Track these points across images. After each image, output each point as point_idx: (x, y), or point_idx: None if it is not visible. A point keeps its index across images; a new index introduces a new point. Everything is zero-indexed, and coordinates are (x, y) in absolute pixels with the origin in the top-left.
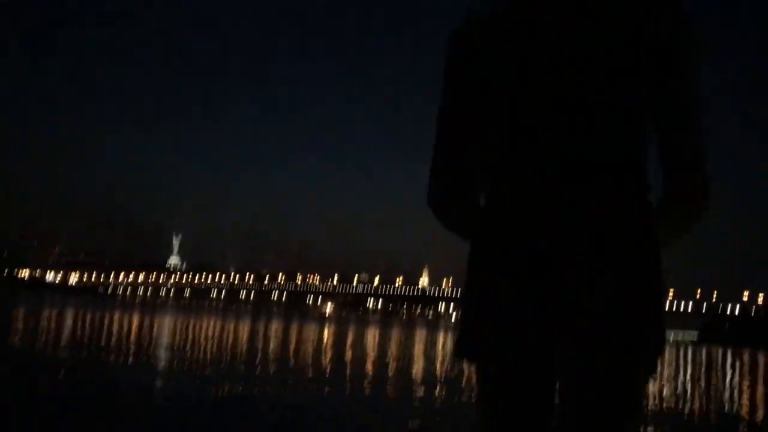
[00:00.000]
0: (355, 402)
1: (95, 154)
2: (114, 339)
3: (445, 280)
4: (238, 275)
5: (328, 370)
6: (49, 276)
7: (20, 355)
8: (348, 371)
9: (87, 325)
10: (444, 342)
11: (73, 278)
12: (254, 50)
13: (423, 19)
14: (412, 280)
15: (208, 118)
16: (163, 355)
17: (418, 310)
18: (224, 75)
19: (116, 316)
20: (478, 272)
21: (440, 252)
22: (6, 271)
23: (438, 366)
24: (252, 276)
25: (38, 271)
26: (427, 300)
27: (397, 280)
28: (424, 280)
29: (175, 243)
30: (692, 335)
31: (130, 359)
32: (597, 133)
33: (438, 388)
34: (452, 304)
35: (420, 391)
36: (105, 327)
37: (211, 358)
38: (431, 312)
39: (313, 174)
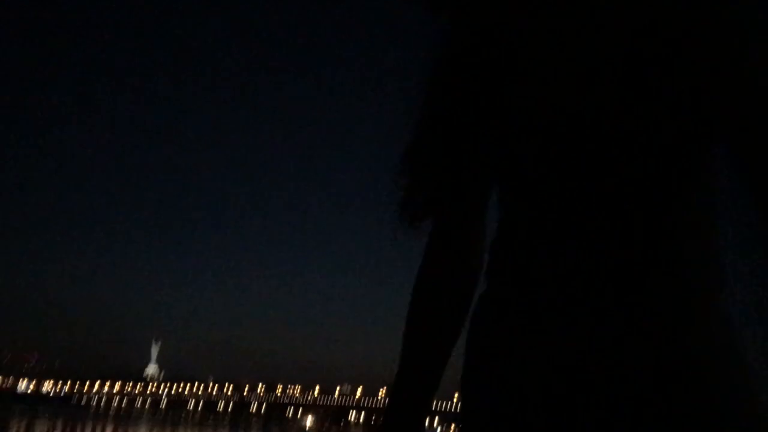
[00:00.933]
0: None
1: (75, 260)
2: None
3: None
4: (216, 385)
5: None
6: (22, 385)
7: None
8: None
9: None
10: None
11: (47, 387)
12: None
13: None
14: None
15: (186, 228)
16: None
17: None
18: (205, 194)
19: (88, 429)
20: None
21: None
22: None
23: None
24: (231, 386)
25: (10, 378)
26: None
27: (381, 391)
28: None
29: (154, 351)
30: None
31: None
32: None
33: None
34: (437, 418)
35: None
36: None
37: None
38: None
39: (297, 285)
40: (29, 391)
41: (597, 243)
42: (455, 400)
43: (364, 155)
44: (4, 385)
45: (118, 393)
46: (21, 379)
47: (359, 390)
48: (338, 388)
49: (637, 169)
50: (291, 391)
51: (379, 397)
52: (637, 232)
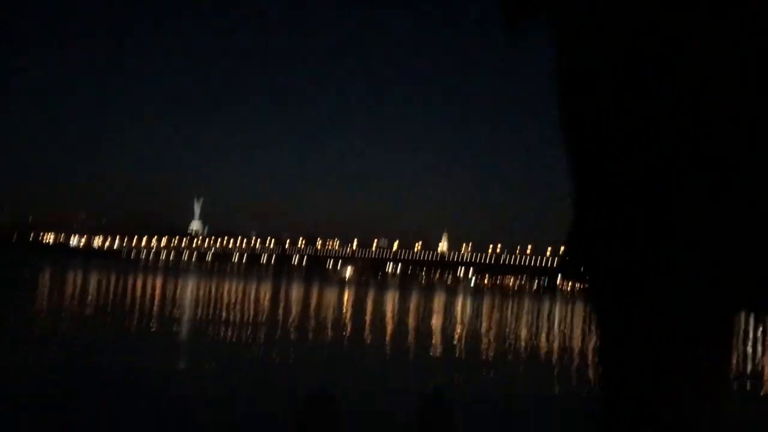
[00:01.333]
0: (373, 366)
1: (121, 120)
2: (140, 301)
3: (464, 245)
4: (258, 240)
5: (346, 332)
6: (73, 241)
7: (47, 317)
8: (366, 333)
9: (112, 287)
10: (463, 305)
11: (97, 242)
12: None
13: None
14: (431, 245)
15: (228, 89)
16: (188, 316)
17: (438, 275)
18: (253, 53)
19: (140, 279)
20: None
21: (459, 217)
22: (32, 235)
23: (456, 330)
24: (272, 240)
25: (62, 235)
26: (447, 265)
27: (416, 245)
28: (443, 245)
29: (197, 208)
30: None
31: (155, 321)
32: None
33: (454, 352)
34: (471, 268)
35: (437, 355)
36: (131, 289)
37: (234, 320)
38: (450, 276)
39: (335, 139)
40: (80, 246)
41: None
42: (489, 251)
43: None
44: (56, 241)
45: (165, 247)
46: (72, 236)
47: (396, 244)
48: (375, 242)
49: None
50: (330, 245)
51: (415, 250)
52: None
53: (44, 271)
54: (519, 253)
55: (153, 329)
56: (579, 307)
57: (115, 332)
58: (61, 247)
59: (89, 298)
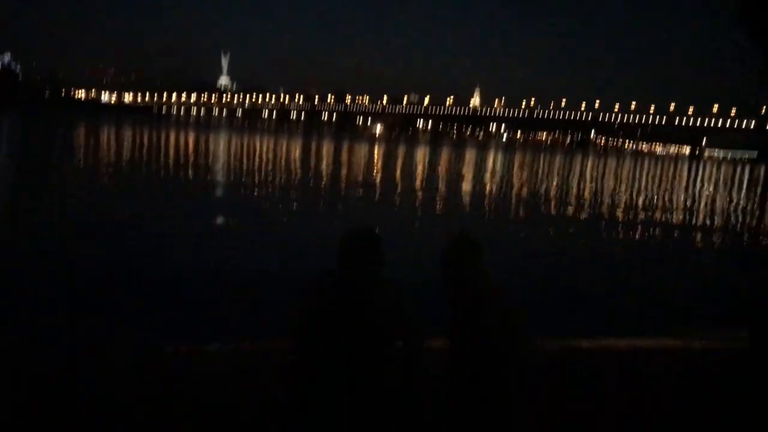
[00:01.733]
0: (404, 215)
1: None
2: (175, 154)
3: (496, 100)
4: (287, 96)
5: (377, 186)
6: (104, 97)
7: (86, 170)
8: (397, 186)
9: (146, 141)
10: (494, 160)
11: (128, 98)
12: None
13: None
14: (463, 100)
15: None
16: (222, 168)
17: (469, 131)
18: None
19: (173, 135)
20: None
21: (492, 71)
22: (63, 91)
23: (486, 184)
24: (301, 97)
25: (93, 91)
26: (478, 120)
27: (448, 100)
28: (475, 100)
29: (224, 62)
30: (753, 154)
31: (191, 172)
32: None
33: (481, 201)
34: (503, 123)
35: (465, 202)
36: (165, 143)
37: (265, 173)
38: (482, 132)
39: None
40: (112, 102)
41: None
42: (523, 107)
43: None
44: (88, 97)
45: (195, 103)
46: (103, 92)
47: (426, 99)
48: (406, 98)
49: None
50: (360, 101)
51: (447, 105)
52: None
53: (79, 127)
54: (553, 108)
55: (193, 184)
56: (611, 162)
57: (153, 187)
58: (93, 103)
59: (125, 152)
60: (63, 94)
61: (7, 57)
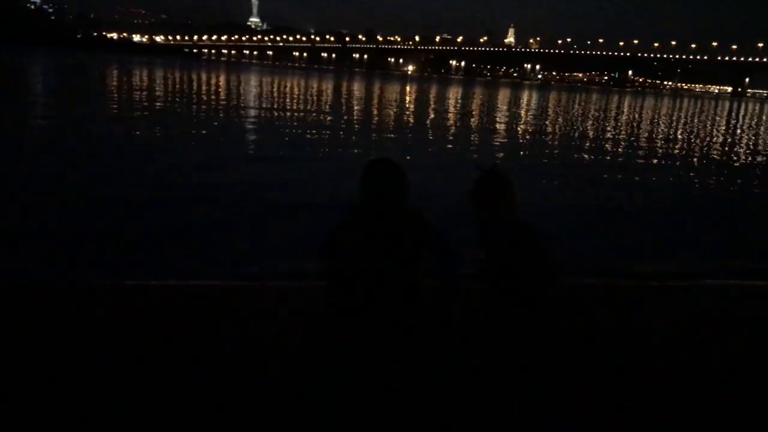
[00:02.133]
0: (437, 150)
1: None
2: (215, 93)
3: (531, 39)
4: (317, 36)
5: (409, 124)
6: (136, 37)
7: (125, 111)
8: (429, 125)
9: (180, 82)
10: (528, 100)
11: (159, 39)
12: None
13: None
14: (496, 39)
15: None
16: (255, 106)
17: (503, 70)
18: None
19: (205, 75)
20: None
21: (527, 8)
22: (95, 33)
23: (516, 123)
24: (332, 37)
25: (125, 33)
26: (513, 58)
27: (481, 39)
28: (509, 39)
29: (254, 2)
30: None
31: (230, 112)
32: None
33: (512, 138)
34: (539, 63)
35: (495, 139)
36: (204, 84)
37: (299, 111)
38: (517, 71)
39: None
40: (144, 42)
41: None
42: (559, 44)
43: None
44: (119, 38)
45: (226, 43)
46: (134, 34)
47: (459, 38)
48: (438, 37)
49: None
50: (392, 40)
51: (480, 43)
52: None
53: (112, 68)
54: (589, 46)
55: (228, 120)
56: (648, 101)
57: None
58: (125, 43)
59: (160, 93)
60: (95, 35)
61: None
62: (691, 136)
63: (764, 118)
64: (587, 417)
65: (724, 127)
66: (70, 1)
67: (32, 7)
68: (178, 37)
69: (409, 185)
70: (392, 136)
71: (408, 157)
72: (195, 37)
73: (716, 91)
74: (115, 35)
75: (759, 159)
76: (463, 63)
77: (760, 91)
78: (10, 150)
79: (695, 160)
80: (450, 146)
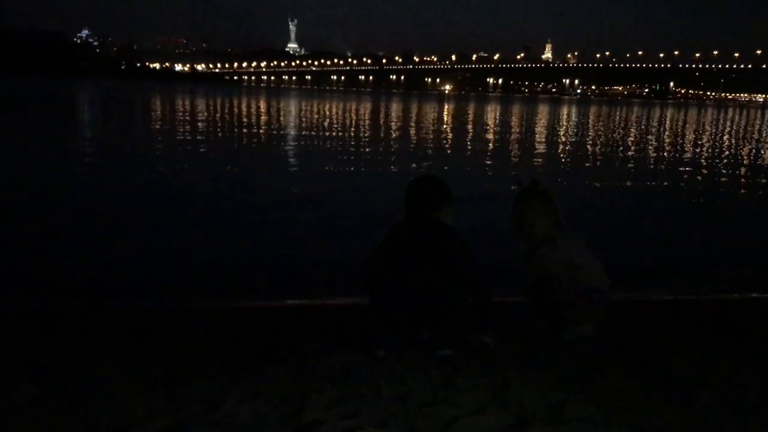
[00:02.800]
0: (476, 169)
1: None
2: (250, 119)
3: (569, 53)
4: (355, 60)
5: (448, 144)
6: (178, 66)
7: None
8: (468, 144)
9: (221, 108)
10: (568, 114)
11: (200, 67)
12: None
13: None
14: (534, 54)
15: None
16: (294, 133)
17: (541, 85)
18: None
19: (244, 101)
20: None
21: (565, 23)
22: (138, 64)
23: (560, 138)
24: (369, 59)
25: (167, 63)
26: (551, 73)
27: (518, 55)
28: (547, 55)
29: (292, 29)
30: None
31: (270, 138)
32: None
33: (553, 154)
34: (577, 78)
35: (538, 156)
36: (239, 109)
37: (338, 137)
38: (555, 87)
39: None
40: (185, 71)
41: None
42: (597, 58)
43: None
44: (162, 67)
45: (265, 69)
46: (176, 63)
47: (496, 56)
48: (475, 56)
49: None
50: (428, 60)
51: (518, 59)
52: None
53: (156, 96)
54: (629, 59)
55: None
56: (691, 112)
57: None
58: (167, 72)
59: (203, 118)
60: (138, 65)
61: (85, 32)
62: (738, 147)
63: None
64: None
65: None
66: (114, 34)
67: (78, 41)
68: (218, 65)
69: (452, 202)
70: (429, 152)
71: (447, 174)
72: (235, 65)
73: (761, 99)
74: (157, 65)
75: None
76: (500, 80)
77: None
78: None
79: (741, 170)
80: (489, 163)
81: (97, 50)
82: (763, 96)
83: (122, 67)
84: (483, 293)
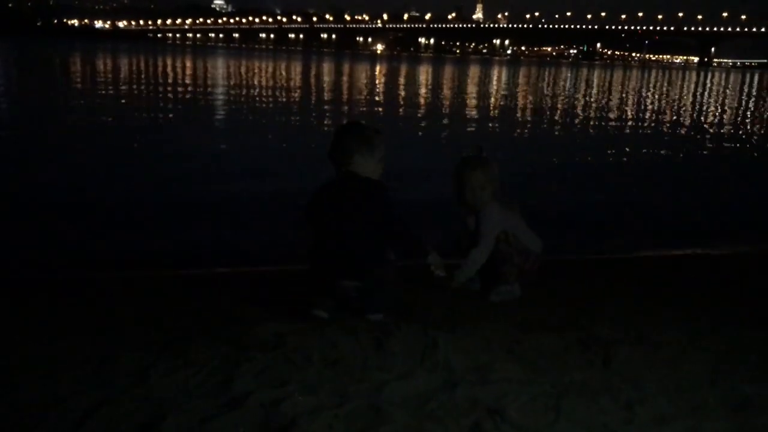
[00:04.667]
0: (413, 135)
1: None
2: (176, 82)
3: (500, 14)
4: (284, 17)
5: (381, 106)
6: (98, 23)
7: (98, 98)
8: (401, 107)
9: (143, 68)
10: (498, 76)
11: (122, 25)
12: None
13: None
14: (465, 15)
15: None
16: (221, 94)
17: (472, 46)
18: None
19: (169, 61)
20: None
21: None
22: (56, 20)
23: (489, 101)
24: (299, 17)
25: (86, 19)
26: (482, 34)
27: (450, 15)
28: (478, 15)
29: None
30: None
31: (198, 99)
32: None
33: (489, 120)
34: (508, 38)
35: (472, 124)
36: (162, 70)
37: (269, 97)
38: (486, 47)
39: None
40: (106, 28)
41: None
42: (527, 19)
43: None
44: (81, 24)
45: (190, 27)
46: (96, 20)
47: (428, 15)
48: (406, 15)
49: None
50: (359, 19)
51: (449, 20)
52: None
53: (75, 56)
54: (558, 20)
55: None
56: (617, 73)
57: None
58: (87, 29)
59: (129, 79)
60: (55, 22)
61: None
62: (662, 108)
63: (729, 87)
64: None
65: (691, 98)
66: None
67: None
68: (141, 22)
69: (370, 146)
70: (364, 111)
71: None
72: (159, 22)
73: (681, 61)
74: (76, 22)
75: (726, 128)
76: (432, 40)
77: (726, 61)
78: None
79: (665, 130)
80: (422, 125)
81: (9, 5)
82: (685, 58)
83: (38, 24)
84: (405, 236)
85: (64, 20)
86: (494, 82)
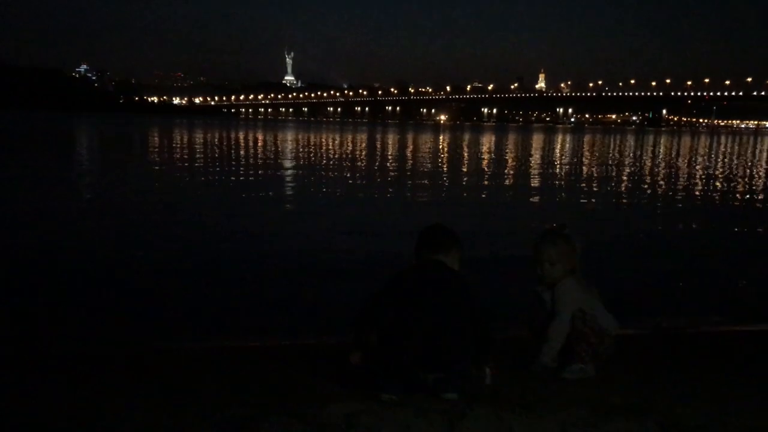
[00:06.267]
0: (485, 207)
1: None
2: (248, 152)
3: (562, 83)
4: (351, 92)
5: (445, 175)
6: (176, 100)
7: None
8: (466, 176)
9: (220, 140)
10: (563, 143)
11: (198, 100)
12: None
13: None
14: (527, 84)
15: None
16: (290, 164)
17: (535, 115)
18: None
19: (242, 133)
20: None
21: (557, 53)
22: (136, 98)
23: (558, 167)
24: (365, 91)
25: (165, 96)
26: (545, 102)
27: (512, 85)
28: (541, 84)
29: (288, 62)
30: None
31: (266, 170)
32: None
33: (563, 190)
34: (571, 107)
35: (549, 194)
36: (238, 142)
37: (336, 166)
38: (549, 116)
39: None
40: (183, 104)
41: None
42: (590, 87)
43: None
44: (160, 101)
45: (262, 102)
46: (174, 97)
47: (490, 86)
48: (469, 86)
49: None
50: (423, 91)
51: (511, 89)
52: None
53: (155, 130)
54: (621, 87)
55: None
56: (685, 139)
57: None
58: (165, 106)
59: (201, 151)
60: (136, 99)
61: (83, 67)
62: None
63: None
64: None
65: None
66: (113, 69)
67: (77, 75)
68: (216, 98)
69: (459, 247)
70: (425, 182)
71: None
72: (233, 97)
73: (752, 126)
74: (155, 99)
75: None
76: (495, 110)
77: None
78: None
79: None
80: (485, 194)
81: (96, 85)
82: (756, 123)
83: (120, 101)
84: (485, 331)
85: (145, 97)
86: (557, 149)
